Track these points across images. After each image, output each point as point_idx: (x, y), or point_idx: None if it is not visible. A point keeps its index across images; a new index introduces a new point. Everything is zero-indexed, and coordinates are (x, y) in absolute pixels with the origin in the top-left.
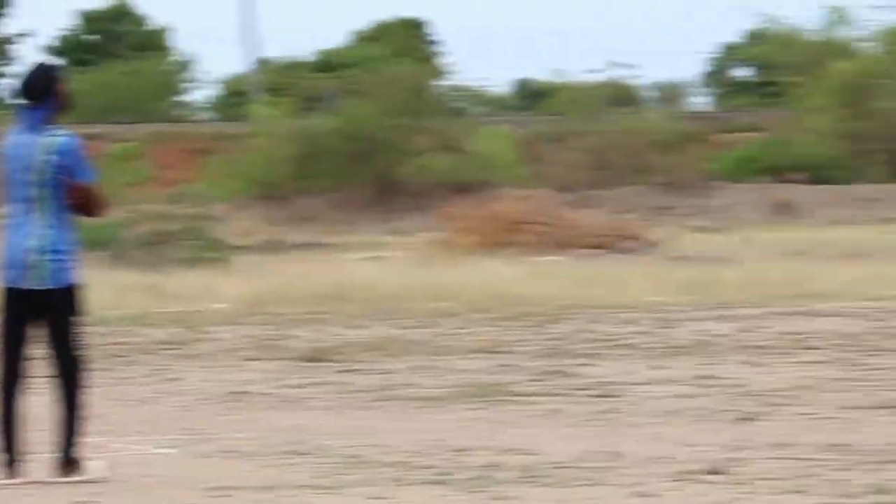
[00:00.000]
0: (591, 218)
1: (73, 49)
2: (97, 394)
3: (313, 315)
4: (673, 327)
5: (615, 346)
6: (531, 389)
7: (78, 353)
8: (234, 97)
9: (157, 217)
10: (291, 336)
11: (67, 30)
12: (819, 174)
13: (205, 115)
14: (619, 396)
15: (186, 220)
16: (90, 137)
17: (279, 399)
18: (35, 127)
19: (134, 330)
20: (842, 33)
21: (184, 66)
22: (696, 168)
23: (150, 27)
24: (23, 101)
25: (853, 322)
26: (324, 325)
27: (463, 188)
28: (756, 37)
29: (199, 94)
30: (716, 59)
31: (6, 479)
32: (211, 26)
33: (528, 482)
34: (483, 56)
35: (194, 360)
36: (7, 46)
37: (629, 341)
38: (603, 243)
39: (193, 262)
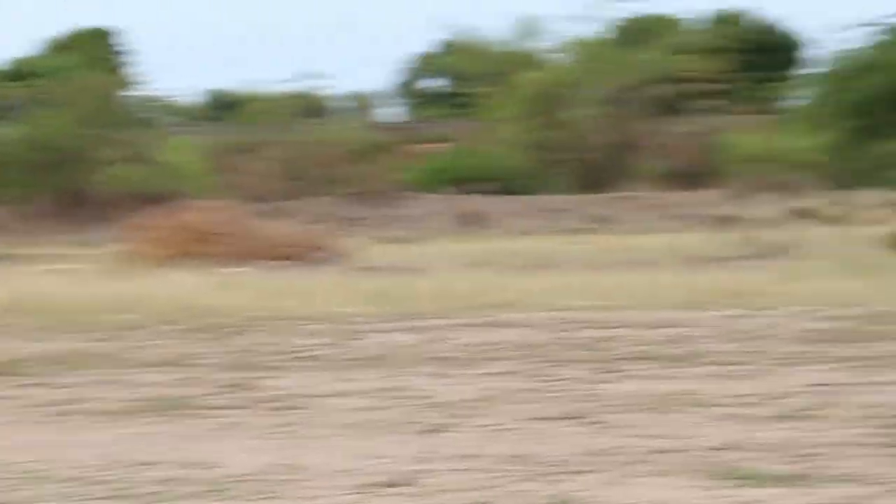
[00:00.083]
0: (282, 228)
1: None
2: None
3: None
4: (360, 338)
5: (301, 357)
6: (215, 402)
7: None
8: None
9: None
10: None
11: None
12: (508, 184)
13: None
14: (304, 408)
15: None
16: None
17: None
18: None
19: None
20: (531, 44)
21: None
22: (388, 178)
23: None
24: None
25: (539, 332)
26: (1, 339)
27: (153, 199)
28: (448, 48)
29: None
30: (408, 69)
31: None
32: None
33: (209, 496)
34: (177, 66)
35: None
36: None
37: (315, 353)
38: (293, 254)
39: None
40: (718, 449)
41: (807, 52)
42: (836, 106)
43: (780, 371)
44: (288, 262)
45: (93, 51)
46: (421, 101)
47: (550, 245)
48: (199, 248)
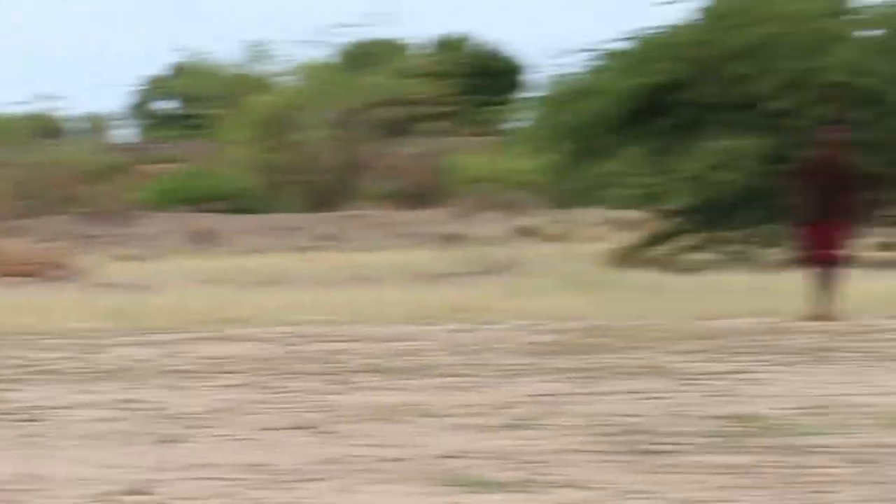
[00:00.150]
0: (19, 246)
1: None
2: None
3: None
4: (98, 353)
5: (41, 371)
6: None
7: None
8: None
9: None
10: None
11: None
12: (240, 204)
13: None
14: (45, 420)
15: None
16: None
17: None
18: None
19: None
20: (262, 68)
21: None
22: (122, 198)
23: None
24: None
25: (272, 346)
26: None
27: None
28: (180, 70)
29: None
30: (141, 91)
31: None
32: None
33: None
34: None
35: None
36: None
37: (55, 367)
38: (30, 272)
39: None
40: (446, 457)
41: (528, 77)
42: (555, 129)
43: (504, 382)
44: (26, 280)
45: None
46: (154, 122)
47: (282, 262)
48: None
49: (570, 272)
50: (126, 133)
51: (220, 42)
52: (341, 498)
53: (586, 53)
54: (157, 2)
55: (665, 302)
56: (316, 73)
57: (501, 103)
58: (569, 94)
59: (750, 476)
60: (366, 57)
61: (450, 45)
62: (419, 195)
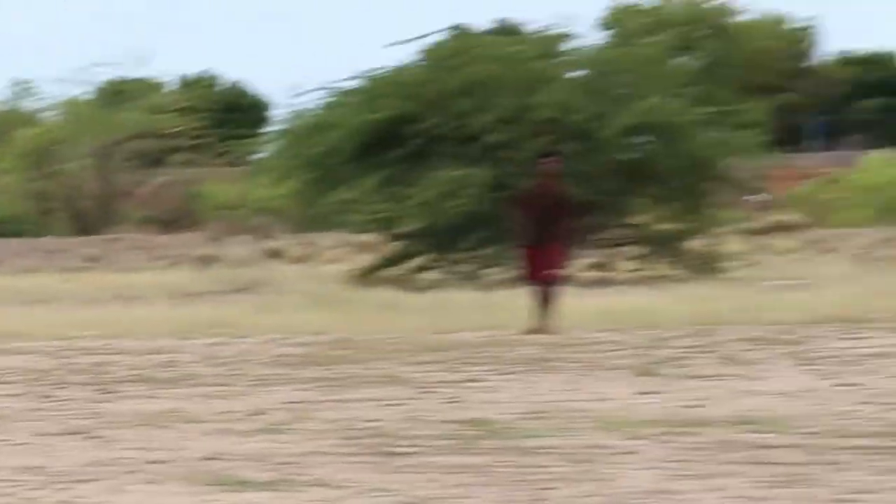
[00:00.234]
0: None
1: None
2: None
3: None
4: None
5: None
6: None
7: None
8: None
9: None
10: None
11: None
12: (10, 228)
13: None
14: None
15: None
16: None
17: None
18: None
19: None
20: (27, 104)
21: None
22: None
23: None
24: None
25: (44, 359)
26: None
27: None
28: None
29: None
30: None
31: None
32: None
33: None
34: None
35: None
36: None
37: None
38: None
39: None
40: (207, 459)
41: (272, 112)
42: (296, 160)
43: (258, 391)
44: None
45: None
46: None
47: (51, 282)
48: None
49: (314, 291)
50: None
51: None
52: (112, 497)
53: (322, 91)
54: None
55: (402, 318)
56: (76, 110)
57: (248, 136)
58: (307, 128)
59: (481, 475)
60: (121, 94)
61: (200, 84)
62: (174, 220)
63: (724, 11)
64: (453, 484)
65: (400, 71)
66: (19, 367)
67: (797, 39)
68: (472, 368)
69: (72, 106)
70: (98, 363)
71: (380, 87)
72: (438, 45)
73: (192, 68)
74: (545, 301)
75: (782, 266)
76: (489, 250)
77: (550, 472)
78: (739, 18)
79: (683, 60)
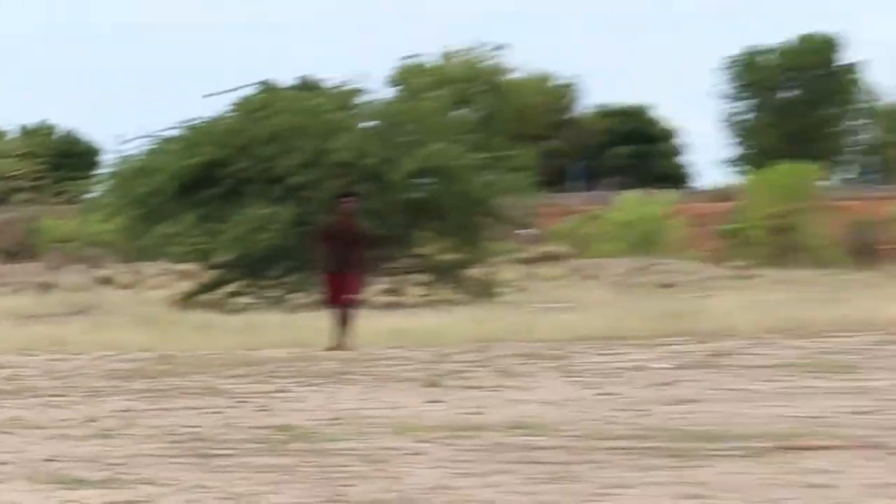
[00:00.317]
0: None
1: None
2: None
3: None
4: None
5: None
6: None
7: None
8: None
9: None
10: None
11: None
12: None
13: None
14: None
15: None
16: None
17: None
18: None
19: None
20: None
21: None
22: None
23: None
24: None
25: None
26: None
27: None
28: None
29: None
30: None
31: None
32: None
33: None
34: None
35: None
36: None
37: None
38: None
39: None
40: (47, 461)
41: (102, 157)
42: (124, 198)
43: (92, 400)
44: None
45: None
46: None
47: None
48: None
49: (141, 313)
50: None
51: None
52: None
53: (147, 139)
54: None
55: (218, 336)
56: None
57: (81, 178)
58: (133, 171)
59: (288, 474)
60: None
61: (39, 132)
62: (17, 252)
63: (497, 70)
64: (264, 482)
65: (214, 121)
66: None
67: (560, 95)
68: (280, 381)
69: None
70: None
71: (197, 135)
72: (248, 99)
73: (32, 118)
74: (343, 322)
75: (549, 291)
76: (294, 277)
77: (349, 471)
78: (511, 76)
79: (462, 113)
